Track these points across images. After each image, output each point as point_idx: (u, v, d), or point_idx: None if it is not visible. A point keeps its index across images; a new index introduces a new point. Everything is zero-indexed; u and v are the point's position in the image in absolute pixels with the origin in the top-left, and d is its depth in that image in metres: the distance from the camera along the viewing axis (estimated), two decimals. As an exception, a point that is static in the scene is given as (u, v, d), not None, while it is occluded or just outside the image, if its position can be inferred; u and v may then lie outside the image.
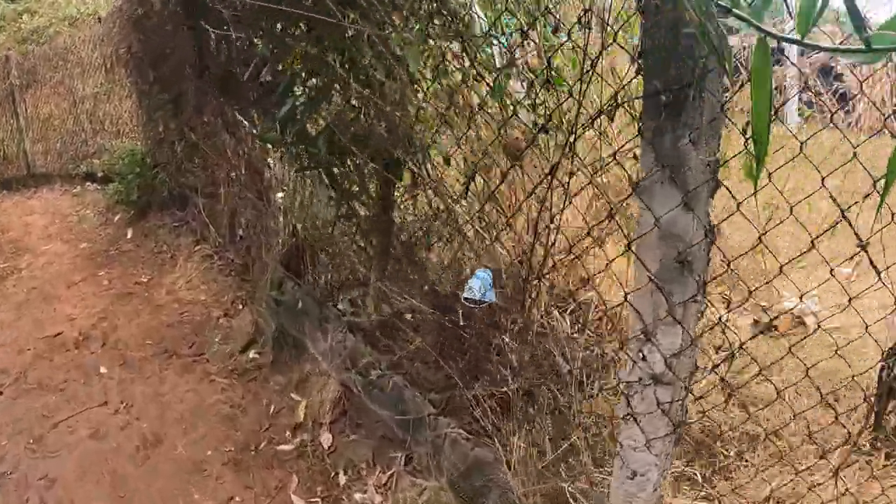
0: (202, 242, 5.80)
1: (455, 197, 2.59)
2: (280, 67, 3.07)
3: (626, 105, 1.94)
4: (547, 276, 2.40)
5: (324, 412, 3.20)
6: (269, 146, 4.72)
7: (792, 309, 3.09)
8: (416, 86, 2.57)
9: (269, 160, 4.78)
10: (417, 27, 2.42)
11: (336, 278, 3.76)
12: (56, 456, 3.16)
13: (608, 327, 2.72)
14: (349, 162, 3.09)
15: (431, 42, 2.44)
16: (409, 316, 3.28)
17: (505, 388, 2.58)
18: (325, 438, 3.05)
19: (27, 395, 3.74)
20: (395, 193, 3.24)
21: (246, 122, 4.56)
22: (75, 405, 3.58)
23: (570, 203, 2.00)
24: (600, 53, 1.77)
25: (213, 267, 5.32)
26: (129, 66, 6.46)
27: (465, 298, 2.46)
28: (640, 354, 1.85)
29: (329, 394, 3.26)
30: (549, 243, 2.15)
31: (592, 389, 2.50)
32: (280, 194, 4.54)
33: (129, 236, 6.35)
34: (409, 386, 2.87)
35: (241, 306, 4.57)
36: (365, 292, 3.42)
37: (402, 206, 3.37)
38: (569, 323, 2.74)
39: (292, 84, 3.02)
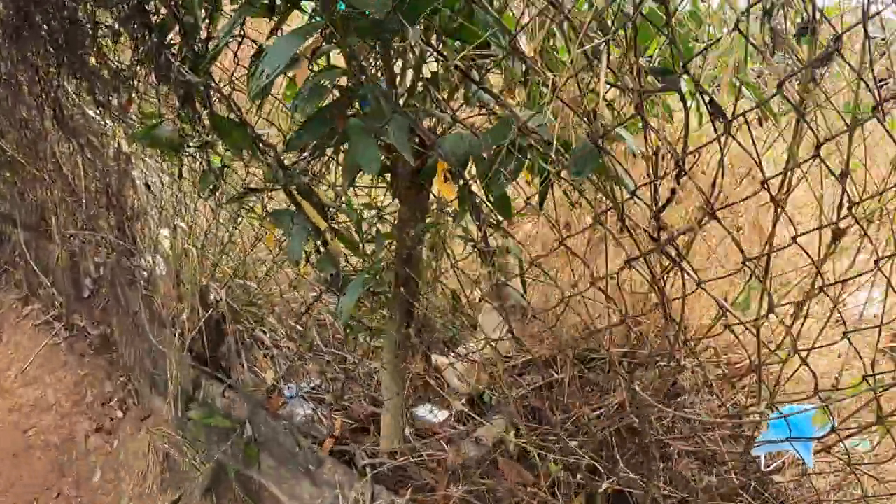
0: (32, 300, 3.89)
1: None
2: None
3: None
4: None
5: None
6: (139, 150, 3.07)
7: None
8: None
9: (136, 173, 3.09)
10: None
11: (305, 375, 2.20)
12: None
13: None
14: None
15: None
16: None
17: None
18: None
19: None
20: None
21: (98, 115, 2.82)
22: None
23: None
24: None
25: (57, 342, 3.45)
26: None
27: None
28: None
29: None
30: None
31: None
32: (166, 232, 2.86)
33: (-79, 299, 4.20)
34: None
35: (120, 413, 2.83)
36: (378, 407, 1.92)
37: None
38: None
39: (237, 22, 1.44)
